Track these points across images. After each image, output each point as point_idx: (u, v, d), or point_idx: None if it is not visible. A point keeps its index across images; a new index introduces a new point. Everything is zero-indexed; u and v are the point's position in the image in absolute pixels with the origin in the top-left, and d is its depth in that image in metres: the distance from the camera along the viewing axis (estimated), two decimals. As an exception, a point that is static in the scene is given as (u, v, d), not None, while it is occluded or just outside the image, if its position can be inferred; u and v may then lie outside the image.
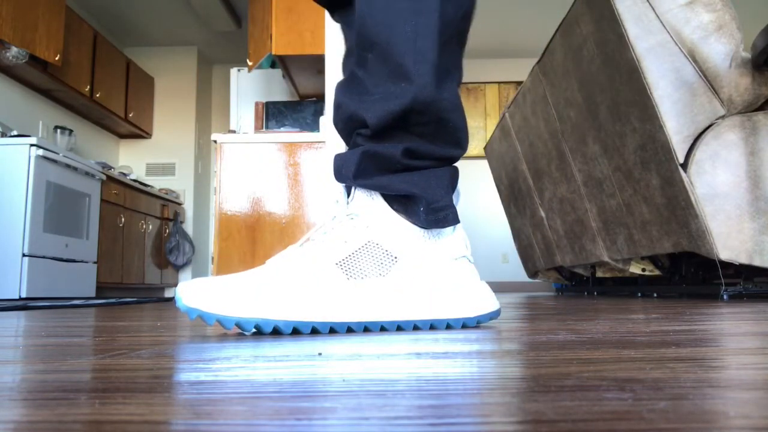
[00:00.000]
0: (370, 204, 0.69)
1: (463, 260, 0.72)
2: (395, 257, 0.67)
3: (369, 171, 0.69)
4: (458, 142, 0.73)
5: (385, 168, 0.69)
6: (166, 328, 0.75)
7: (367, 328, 0.64)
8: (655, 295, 2.32)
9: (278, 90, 4.09)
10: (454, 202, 0.74)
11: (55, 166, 3.60)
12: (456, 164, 0.75)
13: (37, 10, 3.94)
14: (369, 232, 0.67)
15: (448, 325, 0.68)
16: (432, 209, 0.69)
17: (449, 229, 0.72)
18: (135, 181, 4.91)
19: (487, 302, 0.72)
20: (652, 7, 1.72)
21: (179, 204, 5.78)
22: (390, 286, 0.66)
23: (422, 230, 0.69)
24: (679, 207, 1.76)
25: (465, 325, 0.69)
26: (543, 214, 3.06)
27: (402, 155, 0.68)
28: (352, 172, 0.69)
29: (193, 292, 0.59)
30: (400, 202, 0.70)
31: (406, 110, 0.67)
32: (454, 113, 0.71)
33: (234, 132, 3.72)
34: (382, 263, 0.66)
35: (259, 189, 2.97)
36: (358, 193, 0.70)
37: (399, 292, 0.66)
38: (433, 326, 0.67)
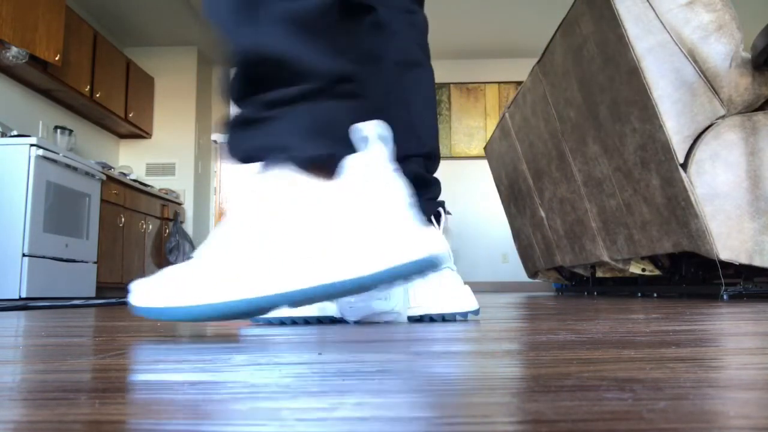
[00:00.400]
0: (263, 172, 0.64)
1: (363, 188, 0.60)
2: (290, 211, 0.60)
3: (240, 139, 0.66)
4: (300, 72, 0.64)
5: (252, 129, 0.65)
6: (165, 328, 0.75)
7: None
8: (655, 295, 2.32)
9: (278, 90, 4.09)
10: (375, 139, 0.64)
11: (55, 166, 3.60)
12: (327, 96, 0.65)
13: (37, 10, 3.93)
14: (262, 200, 0.63)
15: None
16: (294, 156, 0.62)
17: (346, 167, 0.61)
18: (135, 181, 4.91)
19: (376, 256, 0.56)
20: (652, 7, 1.72)
21: (179, 204, 5.78)
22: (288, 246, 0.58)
23: (310, 178, 0.62)
24: (679, 207, 1.76)
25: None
26: (543, 214, 3.06)
27: (260, 109, 0.65)
28: (228, 147, 0.67)
29: (141, 293, 0.61)
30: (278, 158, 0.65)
31: (238, 69, 0.65)
32: (278, 45, 0.64)
33: (234, 132, 3.72)
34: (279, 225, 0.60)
35: (259, 189, 2.97)
36: (250, 165, 0.67)
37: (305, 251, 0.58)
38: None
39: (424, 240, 0.57)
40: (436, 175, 1.02)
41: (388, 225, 0.57)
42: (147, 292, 0.60)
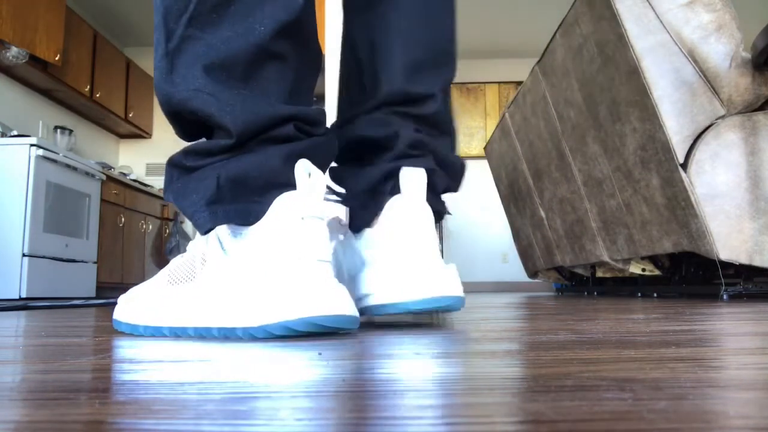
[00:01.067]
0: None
1: (274, 255, 0.57)
2: (204, 261, 0.63)
3: (170, 182, 0.65)
4: (220, 126, 0.61)
5: (179, 177, 0.64)
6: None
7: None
8: (655, 295, 2.32)
9: (278, 90, 4.08)
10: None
11: (55, 166, 3.60)
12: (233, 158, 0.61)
13: (37, 10, 3.93)
14: (193, 244, 0.66)
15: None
16: (190, 215, 0.63)
17: (254, 228, 0.59)
18: (135, 181, 4.91)
19: (269, 307, 0.55)
20: (652, 7, 1.72)
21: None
22: (195, 290, 0.61)
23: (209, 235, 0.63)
24: (679, 207, 1.76)
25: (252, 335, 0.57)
26: (543, 214, 3.06)
27: (188, 157, 0.63)
28: (164, 185, 0.67)
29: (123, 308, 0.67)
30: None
31: (168, 118, 0.64)
32: (192, 101, 0.60)
33: (234, 132, 3.72)
34: (193, 268, 0.63)
35: (259, 189, 2.96)
36: None
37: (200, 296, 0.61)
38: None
39: (320, 299, 0.55)
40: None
41: (287, 280, 0.56)
42: (123, 309, 0.67)
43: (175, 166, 0.64)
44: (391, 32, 0.77)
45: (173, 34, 0.61)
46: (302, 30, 0.64)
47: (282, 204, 0.59)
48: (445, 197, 0.80)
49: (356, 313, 0.60)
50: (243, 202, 0.60)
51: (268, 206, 0.59)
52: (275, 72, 0.62)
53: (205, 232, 0.62)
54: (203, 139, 0.65)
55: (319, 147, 0.66)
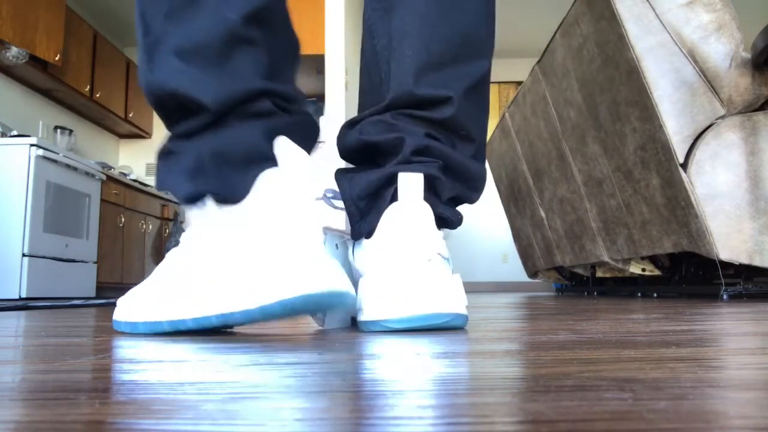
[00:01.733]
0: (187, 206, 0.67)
1: (250, 230, 0.57)
2: (191, 239, 0.62)
3: (158, 170, 0.65)
4: (199, 104, 0.61)
5: (165, 162, 0.65)
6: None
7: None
8: (655, 295, 2.32)
9: (278, 90, 4.08)
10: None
11: (55, 166, 3.60)
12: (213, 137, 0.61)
13: (37, 10, 3.94)
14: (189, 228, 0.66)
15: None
16: (173, 188, 0.63)
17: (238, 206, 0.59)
18: (135, 181, 4.91)
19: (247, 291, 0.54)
20: (652, 7, 1.72)
21: (179, 204, 5.78)
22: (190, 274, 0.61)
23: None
24: (679, 207, 1.76)
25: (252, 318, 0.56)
26: (543, 214, 3.06)
27: (172, 141, 0.64)
28: (155, 176, 0.67)
29: (122, 308, 0.67)
30: None
31: (151, 104, 0.65)
32: (170, 81, 0.61)
33: (234, 132, 3.71)
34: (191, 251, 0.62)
35: (259, 189, 2.96)
36: None
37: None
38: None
39: (316, 275, 0.54)
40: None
41: (282, 257, 0.54)
42: (122, 309, 0.67)
43: (162, 154, 0.65)
44: (408, 17, 0.70)
45: (150, 29, 0.64)
46: (273, 17, 0.65)
47: (266, 180, 0.59)
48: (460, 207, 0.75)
49: (351, 288, 0.59)
50: (226, 177, 0.60)
51: (251, 183, 0.59)
52: (249, 55, 0.63)
53: (187, 200, 0.62)
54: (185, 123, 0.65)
55: (299, 125, 0.66)
